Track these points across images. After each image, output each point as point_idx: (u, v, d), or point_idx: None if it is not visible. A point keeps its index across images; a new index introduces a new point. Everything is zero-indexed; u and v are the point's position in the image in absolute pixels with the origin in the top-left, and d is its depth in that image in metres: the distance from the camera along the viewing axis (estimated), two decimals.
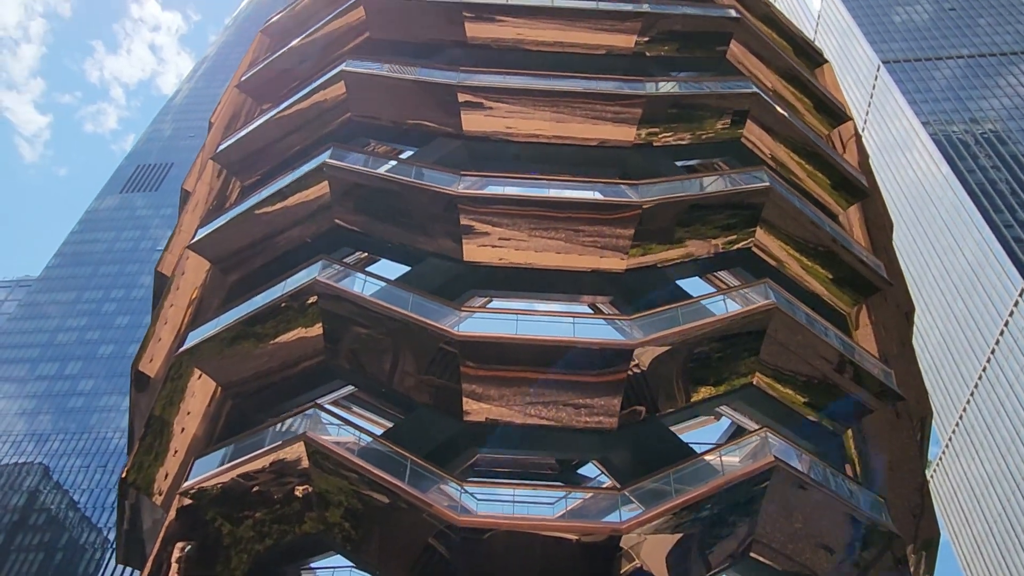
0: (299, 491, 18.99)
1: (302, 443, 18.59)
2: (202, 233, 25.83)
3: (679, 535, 17.91)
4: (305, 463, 18.65)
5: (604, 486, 20.35)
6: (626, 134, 24.55)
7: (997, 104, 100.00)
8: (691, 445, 21.04)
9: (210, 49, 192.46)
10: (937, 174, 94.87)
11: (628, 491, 18.24)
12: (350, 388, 23.13)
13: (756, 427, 21.14)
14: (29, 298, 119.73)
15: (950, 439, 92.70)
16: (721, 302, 21.31)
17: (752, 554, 19.37)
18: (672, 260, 23.07)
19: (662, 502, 17.70)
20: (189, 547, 18.72)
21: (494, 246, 21.84)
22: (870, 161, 33.63)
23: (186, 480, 20.18)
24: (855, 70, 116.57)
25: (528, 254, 21.92)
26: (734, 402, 22.56)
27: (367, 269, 23.75)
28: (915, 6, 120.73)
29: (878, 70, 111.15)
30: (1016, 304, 76.80)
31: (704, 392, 20.94)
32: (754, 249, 24.62)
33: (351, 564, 20.45)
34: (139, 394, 24.62)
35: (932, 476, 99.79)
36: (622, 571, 17.32)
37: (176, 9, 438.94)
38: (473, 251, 22.01)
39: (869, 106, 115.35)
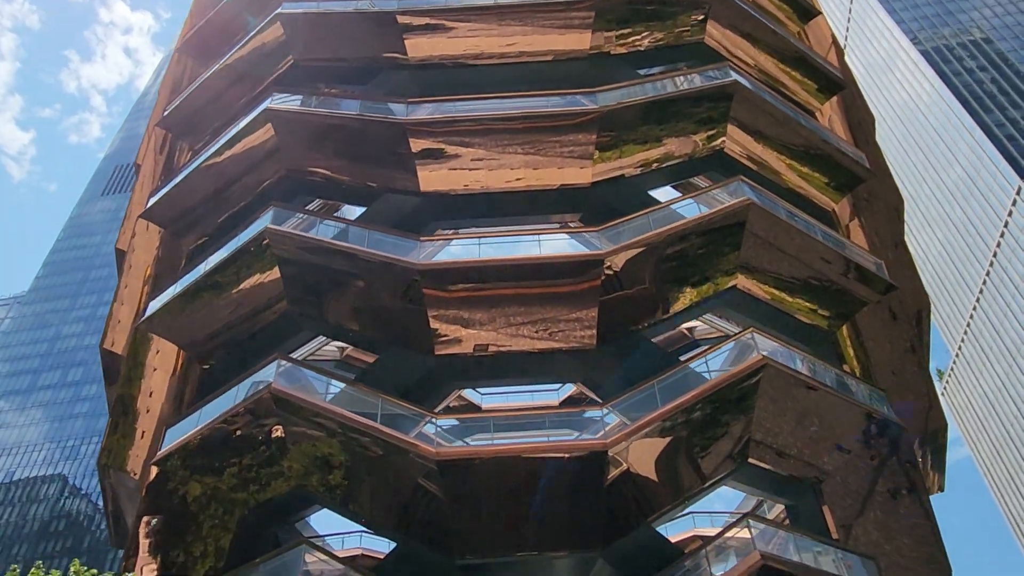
0: (277, 433, 18.15)
1: (269, 394, 17.76)
2: (153, 200, 24.81)
3: (668, 438, 17.04)
4: (274, 413, 17.84)
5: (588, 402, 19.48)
6: (580, 42, 23.22)
7: (979, 3, 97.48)
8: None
9: (175, 42, 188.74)
10: (923, 81, 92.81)
11: (612, 405, 17.38)
12: (321, 341, 22.31)
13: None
14: (22, 311, 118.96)
15: (960, 349, 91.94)
16: (693, 205, 20.26)
17: (752, 459, 18.64)
18: (650, 161, 21.91)
19: (647, 412, 16.84)
20: (155, 521, 17.93)
21: (451, 169, 20.71)
22: (846, 59, 32.34)
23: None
24: None
25: (487, 175, 20.80)
26: (720, 308, 21.62)
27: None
28: None
29: None
30: (1015, 203, 75.40)
31: (688, 295, 19.91)
32: (727, 150, 23.49)
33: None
34: (111, 387, 23.78)
35: (945, 388, 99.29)
36: (610, 476, 16.49)
37: (145, 8, 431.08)
38: (430, 179, 20.89)
39: (848, 22, 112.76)
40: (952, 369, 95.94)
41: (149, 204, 24.66)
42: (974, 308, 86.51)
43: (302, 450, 18.26)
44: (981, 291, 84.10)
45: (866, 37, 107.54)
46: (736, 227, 19.35)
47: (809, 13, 31.14)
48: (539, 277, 18.64)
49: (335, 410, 17.45)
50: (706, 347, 18.83)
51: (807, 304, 22.15)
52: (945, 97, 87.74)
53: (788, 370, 18.38)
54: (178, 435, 19.19)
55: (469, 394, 21.04)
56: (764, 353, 18.08)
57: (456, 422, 18.20)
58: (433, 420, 17.58)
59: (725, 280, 20.15)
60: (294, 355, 21.01)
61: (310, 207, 23.89)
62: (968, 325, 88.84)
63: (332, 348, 23.60)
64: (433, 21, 22.96)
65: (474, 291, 18.72)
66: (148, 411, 22.29)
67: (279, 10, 24.71)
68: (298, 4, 25.05)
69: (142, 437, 22.12)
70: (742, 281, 20.92)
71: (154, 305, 21.97)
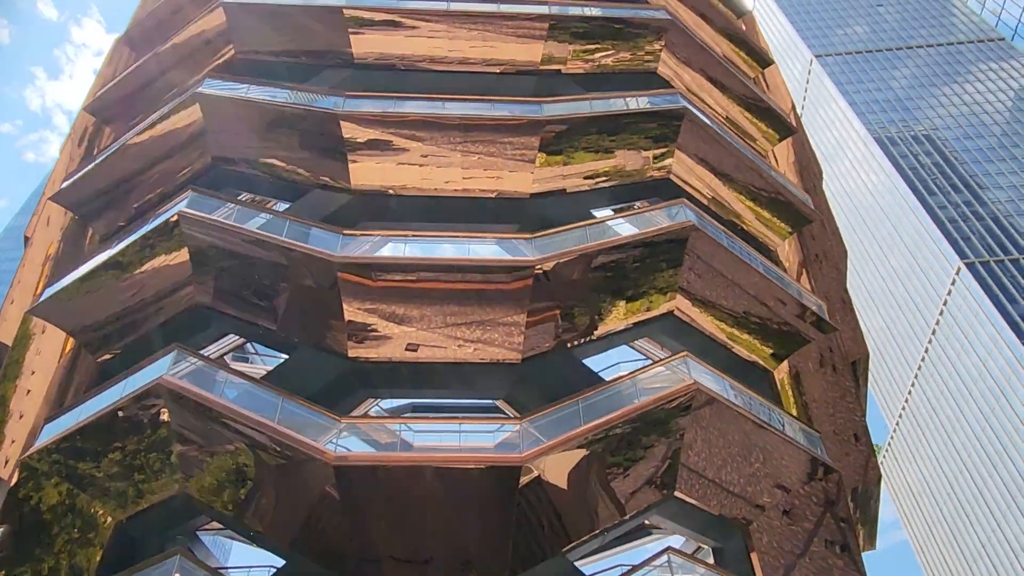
0: (163, 431, 16.44)
1: (159, 387, 16.15)
2: (66, 184, 23.20)
3: (587, 460, 15.82)
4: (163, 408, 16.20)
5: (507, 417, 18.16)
6: (531, 53, 22.67)
7: (927, 94, 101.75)
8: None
9: None
10: (873, 163, 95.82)
11: (530, 420, 16.14)
12: (230, 341, 20.74)
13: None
14: None
15: (897, 423, 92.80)
16: (632, 223, 19.48)
17: (679, 493, 17.50)
18: (599, 173, 21.13)
19: (567, 430, 15.65)
20: (2, 530, 15.95)
21: (384, 166, 19.65)
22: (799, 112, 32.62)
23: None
24: (789, 66, 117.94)
25: (420, 173, 19.78)
26: (655, 335, 20.71)
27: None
28: (842, 3, 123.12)
29: (811, 64, 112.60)
30: (953, 283, 77.25)
31: (621, 310, 18.92)
32: (673, 177, 22.96)
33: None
34: None
35: (883, 461, 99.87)
36: (523, 496, 15.16)
37: (120, 31, 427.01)
38: (361, 173, 19.78)
39: (804, 101, 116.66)
40: (889, 445, 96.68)
41: (61, 187, 23.04)
42: (912, 385, 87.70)
43: (193, 457, 16.62)
44: (919, 367, 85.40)
45: (821, 118, 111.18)
46: (676, 244, 18.59)
47: (764, 61, 31.38)
48: (468, 280, 17.53)
49: (229, 407, 15.90)
50: (636, 369, 17.76)
51: (746, 336, 21.39)
52: (893, 180, 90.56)
53: (721, 399, 17.43)
54: (56, 431, 17.39)
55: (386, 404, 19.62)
56: (696, 379, 17.17)
57: (363, 429, 16.69)
58: (338, 424, 16.12)
59: (660, 299, 19.28)
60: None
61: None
62: (906, 402, 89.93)
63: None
64: (379, 17, 22.19)
65: (405, 283, 17.48)
66: (21, 417, 20.25)
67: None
68: None
69: (11, 443, 20.01)
70: (680, 305, 20.10)
71: (49, 291, 20.24)
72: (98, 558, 16.22)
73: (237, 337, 20.37)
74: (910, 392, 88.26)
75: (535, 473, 15.45)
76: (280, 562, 16.99)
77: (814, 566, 19.32)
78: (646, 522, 19.92)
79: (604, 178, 21.48)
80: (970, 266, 75.71)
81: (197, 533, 19.42)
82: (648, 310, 19.27)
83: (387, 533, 15.95)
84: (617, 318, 19.03)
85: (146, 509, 17.41)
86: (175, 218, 17.89)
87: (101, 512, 16.65)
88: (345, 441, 16.00)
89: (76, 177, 22.94)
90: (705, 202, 23.92)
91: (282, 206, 21.76)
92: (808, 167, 28.41)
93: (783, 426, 19.33)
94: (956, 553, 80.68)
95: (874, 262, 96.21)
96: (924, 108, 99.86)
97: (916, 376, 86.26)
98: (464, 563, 15.92)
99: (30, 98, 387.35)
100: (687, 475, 17.50)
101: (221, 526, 18.45)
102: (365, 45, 22.57)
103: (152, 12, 28.54)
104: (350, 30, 22.25)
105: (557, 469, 15.59)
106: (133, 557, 16.76)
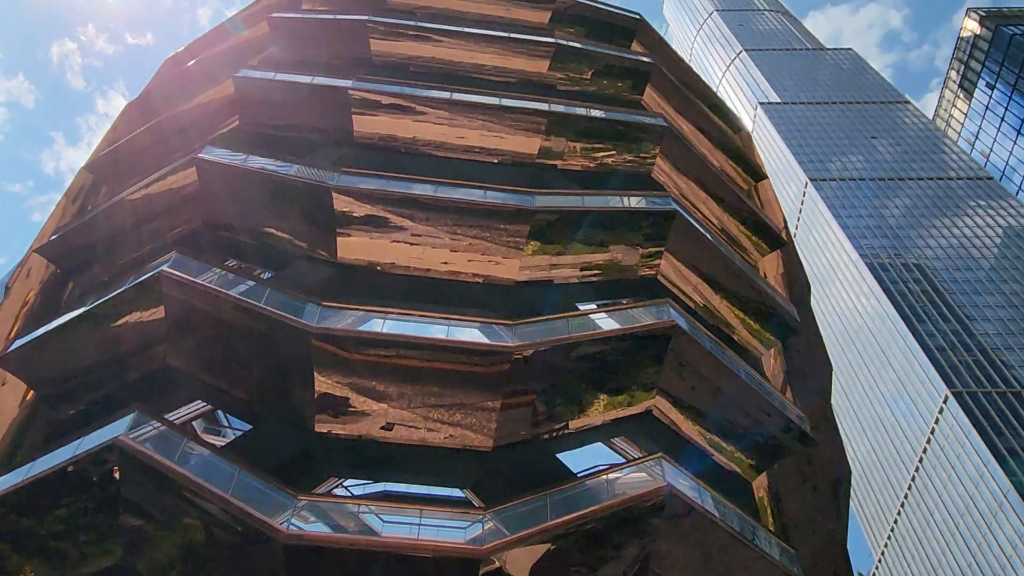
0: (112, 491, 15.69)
1: (115, 447, 15.54)
2: (54, 236, 23.13)
3: (552, 556, 15.08)
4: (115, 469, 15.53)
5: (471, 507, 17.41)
6: (529, 146, 23.12)
7: (916, 223, 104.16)
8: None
9: None
10: (864, 288, 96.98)
11: (495, 512, 15.49)
12: (197, 407, 20.17)
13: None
14: None
15: (883, 552, 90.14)
16: (614, 319, 19.35)
17: None
18: (593, 265, 21.19)
19: (531, 525, 15.00)
20: None
21: (378, 242, 19.66)
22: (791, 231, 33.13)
23: None
24: (784, 188, 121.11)
25: (416, 253, 19.78)
26: (633, 435, 20.21)
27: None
28: (838, 129, 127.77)
29: (805, 187, 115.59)
30: (941, 411, 76.72)
31: (602, 403, 18.52)
32: (659, 277, 23.01)
33: None
34: None
35: None
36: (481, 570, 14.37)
37: None
38: (350, 248, 19.77)
39: (798, 223, 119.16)
40: (874, 574, 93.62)
41: (48, 240, 22.94)
42: (898, 513, 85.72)
43: (142, 526, 15.85)
44: (906, 496, 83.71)
45: (814, 241, 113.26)
46: (660, 341, 18.39)
47: (758, 175, 32.11)
48: (448, 360, 17.23)
49: (182, 473, 15.24)
50: (609, 467, 17.22)
51: (724, 444, 20.90)
52: (884, 305, 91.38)
53: (695, 504, 16.81)
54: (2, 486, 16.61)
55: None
56: (670, 482, 16.62)
57: (321, 508, 15.96)
58: (296, 501, 15.44)
59: (643, 396, 18.91)
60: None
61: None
62: (892, 530, 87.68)
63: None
64: (385, 101, 22.72)
65: (383, 359, 17.16)
66: None
67: (241, 72, 24.48)
68: (257, 71, 24.88)
69: None
70: (661, 406, 19.72)
71: (19, 342, 19.80)
72: None
73: (204, 404, 19.85)
74: (896, 521, 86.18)
75: (496, 565, 14.70)
76: None
77: None
78: None
79: (597, 271, 21.52)
80: (957, 395, 75.41)
81: None
82: (629, 405, 18.89)
83: None
84: (597, 411, 18.63)
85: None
86: (156, 277, 17.69)
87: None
88: (300, 520, 15.30)
89: (65, 231, 22.89)
90: (693, 307, 23.91)
91: (268, 275, 21.67)
92: (796, 281, 28.56)
93: (758, 539, 18.62)
94: None
95: (863, 386, 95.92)
96: (915, 238, 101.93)
97: (903, 504, 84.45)
98: None
99: (45, 161, 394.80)
100: None
101: None
102: (365, 126, 23.04)
103: (165, 83, 29.28)
104: (354, 110, 22.74)
105: (520, 564, 14.84)
106: None
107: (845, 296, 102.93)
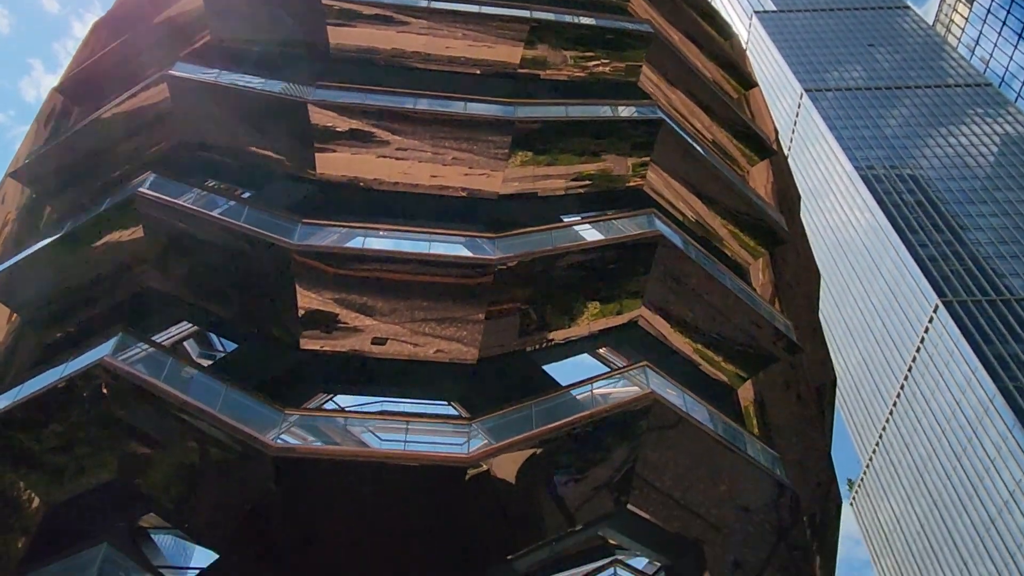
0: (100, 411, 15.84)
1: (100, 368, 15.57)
2: (27, 160, 22.64)
3: (538, 464, 15.36)
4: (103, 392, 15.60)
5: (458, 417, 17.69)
6: (511, 55, 22.43)
7: (912, 133, 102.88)
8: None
9: None
10: (858, 199, 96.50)
11: (482, 421, 15.69)
12: (184, 328, 20.18)
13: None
14: None
15: (871, 459, 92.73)
16: (598, 230, 19.18)
17: (632, 507, 17.07)
18: (584, 175, 20.85)
19: (516, 434, 15.20)
20: None
21: (362, 157, 19.26)
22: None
23: None
24: (778, 100, 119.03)
25: (402, 168, 19.43)
26: (619, 346, 20.34)
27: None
28: (835, 38, 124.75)
29: (801, 98, 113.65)
30: (931, 320, 77.54)
31: (593, 309, 18.53)
32: (646, 189, 22.72)
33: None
34: None
35: (854, 498, 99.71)
36: (470, 498, 14.68)
37: None
38: (330, 163, 19.39)
39: (792, 136, 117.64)
40: (862, 480, 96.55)
41: (22, 164, 22.47)
42: (887, 421, 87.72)
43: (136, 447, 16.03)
44: (895, 404, 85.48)
45: (808, 154, 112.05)
46: (646, 251, 18.26)
47: (748, 83, 31.37)
48: (432, 274, 17.14)
49: (170, 391, 15.32)
50: (594, 376, 17.36)
51: (711, 353, 21.07)
52: (877, 216, 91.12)
53: (679, 411, 17.03)
54: None
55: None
56: (654, 390, 16.78)
57: (309, 422, 16.16)
58: (284, 416, 15.59)
59: (632, 303, 18.90)
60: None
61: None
62: (880, 437, 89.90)
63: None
64: (356, 8, 21.89)
65: (364, 274, 17.05)
66: None
67: None
68: None
69: None
70: (647, 316, 19.76)
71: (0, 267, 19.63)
72: (19, 545, 15.56)
73: (190, 325, 19.86)
74: (884, 428, 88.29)
75: (483, 469, 14.96)
76: (213, 556, 16.38)
77: None
78: (611, 541, 19.50)
79: (587, 181, 21.22)
80: (947, 304, 76.06)
81: (131, 528, 18.74)
82: (618, 314, 18.92)
83: (329, 532, 15.39)
84: (586, 320, 18.66)
85: (80, 495, 16.76)
86: (132, 197, 17.39)
87: (27, 496, 15.96)
88: (289, 435, 15.49)
89: (39, 153, 22.41)
90: (682, 219, 23.69)
91: (248, 195, 21.33)
92: (786, 191, 28.25)
93: (744, 445, 18.96)
94: None
95: (854, 296, 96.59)
96: (911, 148, 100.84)
97: (891, 412, 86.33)
98: (404, 568, 15.37)
99: (25, 89, 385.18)
100: (642, 487, 17.07)
101: (158, 520, 17.82)
102: (340, 37, 22.27)
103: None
104: (333, 21, 21.93)
105: (506, 472, 15.11)
106: (60, 550, 16.14)
107: (839, 209, 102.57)
